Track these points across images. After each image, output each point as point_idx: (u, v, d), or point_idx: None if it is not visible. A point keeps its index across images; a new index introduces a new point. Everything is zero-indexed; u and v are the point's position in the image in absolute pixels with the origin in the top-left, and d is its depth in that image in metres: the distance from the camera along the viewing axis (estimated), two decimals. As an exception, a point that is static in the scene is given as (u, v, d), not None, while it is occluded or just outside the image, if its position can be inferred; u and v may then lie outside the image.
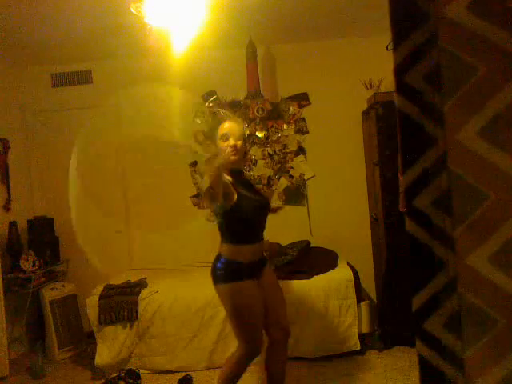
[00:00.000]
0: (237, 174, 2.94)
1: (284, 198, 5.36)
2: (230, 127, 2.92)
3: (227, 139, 2.88)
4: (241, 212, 2.85)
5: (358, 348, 4.26)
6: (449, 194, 0.64)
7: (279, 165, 5.34)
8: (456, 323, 0.64)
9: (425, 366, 0.66)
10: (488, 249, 0.63)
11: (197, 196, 5.40)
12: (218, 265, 2.87)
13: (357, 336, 4.27)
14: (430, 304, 0.65)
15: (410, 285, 0.66)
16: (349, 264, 4.65)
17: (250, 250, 2.90)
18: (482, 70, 0.63)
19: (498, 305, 0.63)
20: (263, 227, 3.04)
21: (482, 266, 0.64)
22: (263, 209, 3.00)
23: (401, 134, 0.65)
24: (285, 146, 5.35)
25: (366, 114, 5.04)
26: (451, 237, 0.64)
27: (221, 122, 2.99)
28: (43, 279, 4.97)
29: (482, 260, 0.64)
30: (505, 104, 0.63)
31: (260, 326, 2.96)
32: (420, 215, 0.65)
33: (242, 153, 2.95)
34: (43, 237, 5.13)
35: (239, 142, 2.90)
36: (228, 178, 2.86)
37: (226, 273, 2.86)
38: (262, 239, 3.02)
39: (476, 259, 0.64)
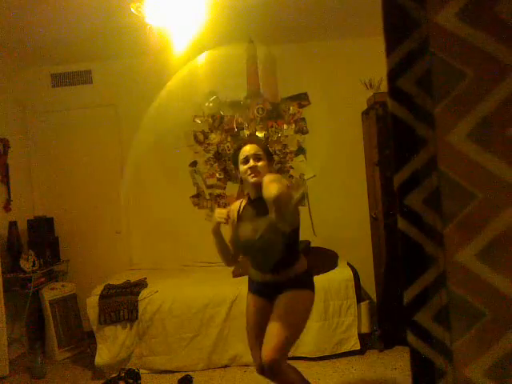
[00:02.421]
0: (255, 200, 2.79)
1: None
2: (249, 149, 2.77)
3: (247, 161, 2.76)
4: (237, 242, 2.84)
5: (358, 348, 4.26)
6: (439, 194, 0.67)
7: (279, 165, 5.33)
8: (445, 316, 0.67)
9: (415, 356, 0.69)
10: (476, 246, 0.66)
11: (197, 196, 5.40)
12: None
13: (357, 336, 4.27)
14: (420, 297, 0.68)
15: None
16: (349, 264, 4.65)
17: (257, 274, 2.86)
18: (471, 75, 0.66)
19: (485, 299, 0.66)
20: (268, 261, 2.77)
21: (469, 262, 0.67)
22: (259, 247, 2.68)
23: (393, 137, 0.67)
24: (285, 146, 5.35)
25: (365, 114, 5.03)
26: (441, 234, 0.67)
27: (241, 145, 2.86)
28: (43, 279, 4.97)
29: (470, 256, 0.66)
30: (492, 108, 0.65)
31: (252, 341, 2.92)
32: (411, 214, 0.68)
33: (263, 175, 2.69)
34: (43, 237, 5.13)
35: (260, 163, 2.74)
36: (241, 204, 2.90)
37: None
38: (275, 273, 2.76)
39: (464, 256, 0.67)
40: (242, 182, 2.92)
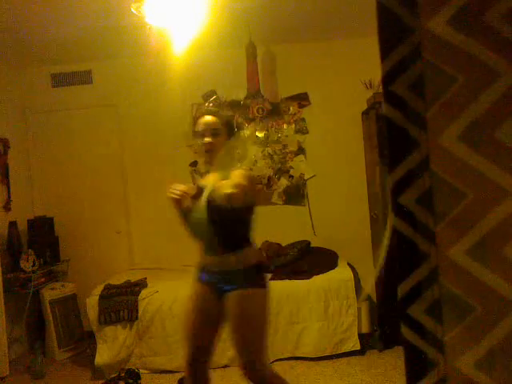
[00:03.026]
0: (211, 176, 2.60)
1: (284, 197, 5.36)
2: (206, 123, 2.58)
3: (203, 136, 2.56)
4: (187, 222, 2.66)
5: (358, 348, 4.27)
6: (431, 193, 0.69)
7: (279, 165, 5.34)
8: (437, 309, 0.70)
9: (409, 348, 0.71)
10: (466, 243, 0.69)
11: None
12: None
13: (357, 336, 4.28)
14: (413, 292, 0.71)
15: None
16: (349, 264, 4.65)
17: (207, 259, 2.64)
18: (461, 80, 0.68)
19: (475, 293, 0.69)
20: (212, 238, 2.58)
21: (460, 259, 0.69)
22: (203, 222, 2.54)
23: (388, 138, 0.69)
24: (285, 146, 5.35)
25: (365, 114, 5.04)
26: (433, 232, 0.69)
27: (198, 117, 2.66)
28: (43, 279, 4.98)
29: (461, 253, 0.69)
30: (481, 111, 0.67)
31: (186, 335, 2.68)
32: (405, 212, 0.70)
33: (216, 153, 2.57)
34: (43, 237, 5.13)
35: (217, 139, 2.56)
36: (200, 182, 2.71)
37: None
38: (220, 254, 2.57)
39: (455, 252, 0.69)
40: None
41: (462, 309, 0.69)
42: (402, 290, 0.70)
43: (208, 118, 2.60)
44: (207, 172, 2.71)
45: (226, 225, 2.54)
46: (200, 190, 2.56)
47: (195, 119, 2.68)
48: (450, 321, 0.69)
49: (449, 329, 0.69)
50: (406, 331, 0.70)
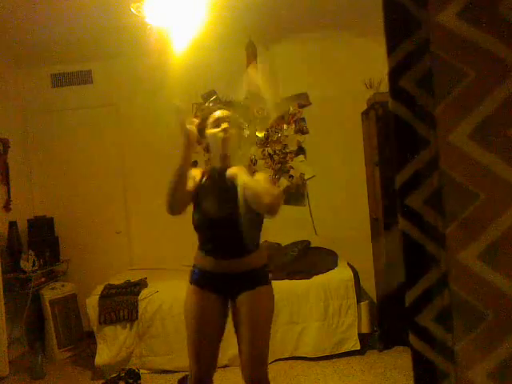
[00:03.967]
0: (218, 172, 2.48)
1: (284, 197, 5.36)
2: (223, 113, 2.51)
3: (218, 125, 2.47)
4: (197, 221, 2.50)
5: (358, 348, 4.27)
6: (440, 194, 0.66)
7: (279, 165, 5.33)
8: (447, 317, 0.67)
9: (417, 358, 0.69)
10: (478, 246, 0.66)
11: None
12: None
13: (357, 336, 4.28)
14: (422, 298, 0.68)
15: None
16: (349, 264, 4.65)
17: (213, 262, 2.51)
18: (472, 75, 0.66)
19: (487, 299, 0.66)
20: (228, 243, 2.47)
21: (472, 263, 0.66)
22: (222, 225, 2.43)
23: (395, 137, 0.67)
24: (285, 146, 5.35)
25: (365, 114, 5.04)
26: (443, 235, 0.66)
27: (211, 112, 2.57)
28: (43, 279, 4.98)
29: (472, 257, 0.66)
30: (493, 107, 0.65)
31: (193, 348, 2.55)
32: (413, 214, 0.67)
33: (233, 144, 2.50)
34: (43, 237, 5.14)
35: (233, 130, 2.48)
36: (204, 174, 2.57)
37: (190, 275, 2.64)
38: (232, 257, 2.48)
39: (466, 256, 0.66)
40: (207, 150, 2.59)
41: (474, 316, 0.66)
42: (410, 296, 0.67)
43: (223, 111, 2.54)
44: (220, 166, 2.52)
45: (251, 227, 2.45)
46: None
47: (204, 116, 2.56)
48: (460, 329, 0.66)
49: (460, 337, 0.66)
50: (414, 340, 0.66)
